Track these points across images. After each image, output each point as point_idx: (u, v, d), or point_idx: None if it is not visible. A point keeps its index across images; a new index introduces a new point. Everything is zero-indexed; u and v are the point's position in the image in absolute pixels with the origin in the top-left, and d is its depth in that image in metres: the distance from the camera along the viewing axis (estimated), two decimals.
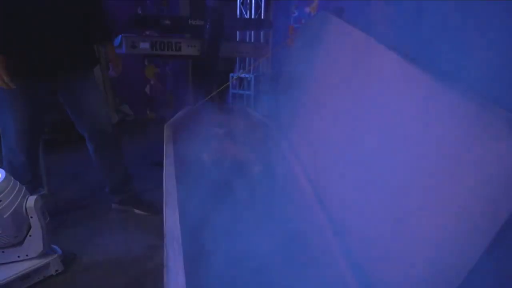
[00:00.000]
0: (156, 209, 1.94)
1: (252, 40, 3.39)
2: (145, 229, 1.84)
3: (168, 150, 1.29)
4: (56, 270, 1.47)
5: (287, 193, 1.15)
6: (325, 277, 0.73)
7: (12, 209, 1.29)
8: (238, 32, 3.36)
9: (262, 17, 3.40)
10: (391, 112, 0.76)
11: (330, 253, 0.75)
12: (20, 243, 1.38)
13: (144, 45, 2.39)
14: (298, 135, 1.29)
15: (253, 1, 3.42)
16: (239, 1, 3.45)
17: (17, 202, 1.32)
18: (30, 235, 1.38)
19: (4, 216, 1.27)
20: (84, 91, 1.65)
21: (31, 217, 1.36)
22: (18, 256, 1.39)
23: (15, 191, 1.33)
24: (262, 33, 3.37)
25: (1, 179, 1.29)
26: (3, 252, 1.37)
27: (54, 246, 1.53)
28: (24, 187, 1.38)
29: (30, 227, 1.38)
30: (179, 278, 0.64)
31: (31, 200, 1.36)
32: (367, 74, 0.93)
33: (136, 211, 1.94)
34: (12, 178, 1.35)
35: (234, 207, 1.09)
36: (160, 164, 2.44)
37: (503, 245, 0.43)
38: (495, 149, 0.47)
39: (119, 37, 2.31)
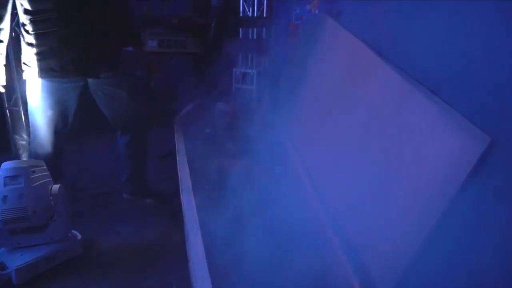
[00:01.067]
0: (164, 199, 2.08)
1: (255, 37, 3.49)
2: (155, 216, 1.97)
3: (179, 143, 1.42)
4: (78, 252, 1.62)
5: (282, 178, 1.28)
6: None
7: (39, 183, 1.46)
8: (241, 29, 3.46)
9: (264, 15, 3.50)
10: (371, 111, 0.88)
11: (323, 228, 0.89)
12: (45, 227, 1.52)
13: (152, 43, 2.51)
14: (296, 128, 1.42)
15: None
16: None
17: (44, 182, 1.48)
18: (54, 220, 1.52)
19: (32, 185, 1.43)
20: (117, 91, 1.79)
21: (55, 203, 1.50)
22: (43, 239, 1.53)
23: (45, 174, 1.49)
24: (264, 30, 3.47)
25: (36, 161, 1.49)
26: (29, 235, 1.51)
27: (74, 231, 1.67)
28: (51, 177, 1.52)
29: (53, 213, 1.52)
30: (199, 249, 0.77)
31: (56, 188, 1.50)
32: (355, 76, 1.05)
33: (147, 200, 2.08)
34: (46, 167, 1.50)
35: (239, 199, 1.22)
36: (166, 157, 2.57)
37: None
38: (446, 147, 0.60)
39: None
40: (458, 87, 0.86)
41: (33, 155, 1.77)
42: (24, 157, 1.98)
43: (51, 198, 1.49)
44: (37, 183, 1.44)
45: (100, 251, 1.69)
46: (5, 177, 1.44)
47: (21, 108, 2.19)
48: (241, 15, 3.50)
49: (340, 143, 1.01)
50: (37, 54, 1.57)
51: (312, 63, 1.48)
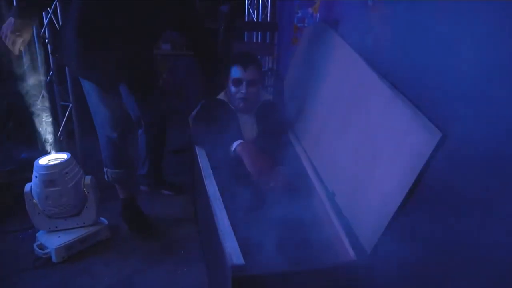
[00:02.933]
0: (180, 189, 2.28)
1: (259, 39, 3.67)
2: (172, 206, 2.18)
3: (195, 136, 1.63)
4: (106, 236, 1.83)
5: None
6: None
7: (74, 182, 1.65)
8: (245, 32, 3.64)
9: (269, 17, 3.67)
10: (358, 113, 1.09)
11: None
12: (79, 213, 1.74)
13: (166, 46, 2.70)
14: (299, 125, 1.62)
15: (260, 2, 3.68)
16: (247, 2, 3.71)
17: (77, 178, 1.68)
18: (86, 207, 1.73)
19: (69, 186, 1.63)
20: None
21: (88, 192, 1.71)
22: (77, 224, 1.75)
23: (76, 170, 1.69)
24: (268, 32, 3.64)
25: (67, 158, 1.65)
26: (65, 220, 1.72)
27: (102, 218, 1.88)
28: (82, 170, 1.73)
29: (86, 201, 1.73)
30: (225, 221, 0.98)
31: (88, 179, 1.71)
32: (347, 85, 1.25)
33: (165, 192, 2.27)
34: (74, 160, 1.70)
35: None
36: (180, 152, 2.75)
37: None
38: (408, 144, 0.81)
39: None
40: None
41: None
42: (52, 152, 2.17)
43: (84, 189, 1.70)
44: (72, 182, 1.64)
45: (125, 236, 1.90)
46: (43, 181, 1.60)
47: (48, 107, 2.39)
48: (246, 18, 3.68)
49: (335, 137, 1.22)
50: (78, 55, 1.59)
51: (311, 70, 1.67)
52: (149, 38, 1.75)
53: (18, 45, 1.44)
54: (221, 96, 1.77)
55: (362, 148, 1.02)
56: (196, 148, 1.60)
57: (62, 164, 1.64)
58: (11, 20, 1.42)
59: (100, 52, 1.55)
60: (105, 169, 1.86)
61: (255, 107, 1.72)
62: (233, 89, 1.65)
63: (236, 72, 1.63)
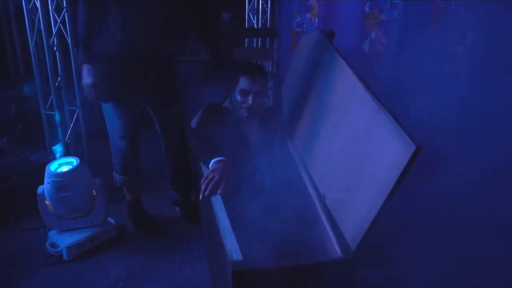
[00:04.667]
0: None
1: (259, 44, 3.76)
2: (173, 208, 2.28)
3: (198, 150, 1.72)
4: (114, 235, 1.94)
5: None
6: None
7: (84, 185, 1.77)
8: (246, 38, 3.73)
9: (268, 22, 3.76)
10: (347, 121, 1.20)
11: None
12: (88, 213, 1.85)
13: None
14: (295, 131, 1.73)
15: (260, 7, 3.78)
16: (247, 8, 3.81)
17: (87, 182, 1.79)
18: (95, 208, 1.84)
19: (79, 191, 1.74)
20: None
21: (96, 193, 1.82)
22: (86, 223, 1.85)
23: (86, 174, 1.80)
24: (268, 39, 3.73)
25: (77, 164, 1.76)
26: (75, 220, 1.83)
27: (109, 218, 1.99)
28: (91, 173, 1.84)
29: (94, 202, 1.84)
30: (226, 221, 1.09)
31: (97, 181, 1.82)
32: (337, 94, 1.36)
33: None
34: (84, 165, 1.81)
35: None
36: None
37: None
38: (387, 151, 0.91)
39: None
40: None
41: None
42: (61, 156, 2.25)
43: (93, 190, 1.81)
44: (82, 186, 1.76)
45: (131, 235, 2.01)
46: (55, 187, 1.71)
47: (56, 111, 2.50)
48: (246, 23, 3.77)
49: (325, 144, 1.33)
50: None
51: (306, 78, 1.78)
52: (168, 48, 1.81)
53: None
54: (226, 103, 1.81)
55: (349, 155, 1.13)
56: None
57: (73, 171, 1.74)
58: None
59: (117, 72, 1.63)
60: (114, 173, 1.97)
61: (259, 114, 1.78)
62: (239, 98, 1.68)
63: (244, 83, 1.66)
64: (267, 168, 1.58)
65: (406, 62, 2.99)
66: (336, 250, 1.03)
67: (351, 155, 1.12)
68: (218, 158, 1.48)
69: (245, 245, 1.04)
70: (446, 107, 2.63)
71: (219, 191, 1.37)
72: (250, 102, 1.67)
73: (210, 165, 1.48)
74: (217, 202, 1.26)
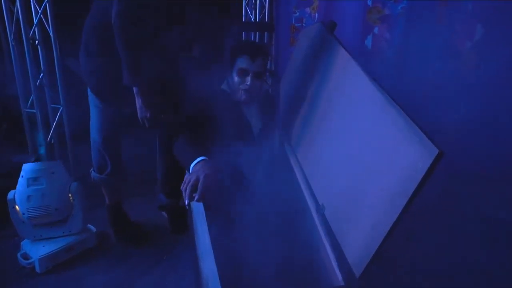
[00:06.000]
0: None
1: (257, 40, 3.60)
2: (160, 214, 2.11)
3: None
4: (93, 244, 1.77)
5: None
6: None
7: (59, 184, 1.62)
8: (244, 33, 3.57)
9: (266, 17, 3.61)
10: (353, 120, 1.02)
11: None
12: (64, 221, 1.68)
13: None
14: (293, 132, 1.56)
15: (257, 2, 3.62)
16: (245, 2, 3.65)
17: (63, 182, 1.65)
18: (72, 215, 1.68)
19: (52, 186, 1.60)
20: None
21: (73, 199, 1.66)
22: (63, 232, 1.69)
23: (63, 174, 1.66)
24: (266, 33, 3.58)
25: (57, 162, 1.66)
26: (51, 228, 1.67)
27: (90, 225, 1.82)
28: (70, 176, 1.67)
29: (72, 208, 1.67)
30: (206, 239, 0.91)
31: (74, 185, 1.66)
32: (340, 90, 1.19)
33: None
34: (63, 167, 1.65)
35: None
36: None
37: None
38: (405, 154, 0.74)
39: None
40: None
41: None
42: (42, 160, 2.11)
43: (70, 195, 1.65)
44: (57, 182, 1.60)
45: (112, 243, 1.84)
46: (28, 178, 1.59)
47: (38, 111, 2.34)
48: (243, 18, 3.61)
49: (327, 146, 1.15)
50: None
51: (306, 73, 1.61)
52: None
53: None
54: (223, 85, 1.66)
55: (353, 158, 0.96)
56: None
57: (50, 164, 1.64)
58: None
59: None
60: (91, 170, 1.82)
61: (257, 98, 1.64)
62: (237, 79, 1.54)
63: (242, 62, 1.52)
64: (262, 164, 1.43)
65: (410, 59, 2.85)
66: (337, 276, 0.85)
67: (356, 160, 0.95)
68: (198, 159, 1.30)
69: (229, 267, 0.87)
70: (453, 106, 2.50)
71: (196, 197, 1.20)
72: (248, 83, 1.53)
73: (190, 169, 1.32)
74: (198, 214, 1.08)
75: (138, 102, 1.43)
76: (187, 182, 1.24)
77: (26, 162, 1.77)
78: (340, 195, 0.97)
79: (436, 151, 0.65)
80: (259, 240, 1.07)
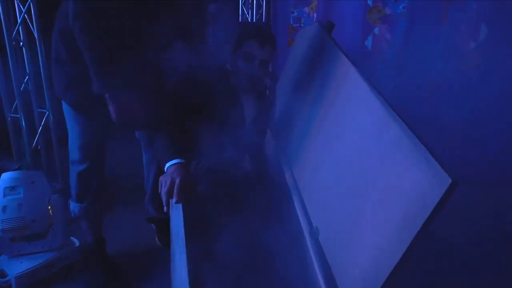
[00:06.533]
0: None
1: None
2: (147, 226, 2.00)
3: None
4: (76, 259, 1.66)
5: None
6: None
7: (38, 194, 1.52)
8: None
9: (263, 17, 3.51)
10: (353, 136, 0.91)
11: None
12: (44, 235, 1.57)
13: None
14: (287, 141, 1.45)
15: (254, 1, 3.52)
16: (241, 1, 3.55)
17: (42, 193, 1.54)
18: (52, 229, 1.57)
19: (30, 196, 1.50)
20: None
21: (53, 213, 1.55)
22: (43, 247, 1.58)
23: (44, 185, 1.55)
24: None
25: (37, 172, 1.55)
26: (29, 243, 1.56)
27: (73, 238, 1.72)
28: (50, 188, 1.57)
29: (52, 222, 1.57)
30: (183, 272, 0.81)
31: (54, 198, 1.55)
32: (338, 97, 1.08)
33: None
34: (45, 178, 1.56)
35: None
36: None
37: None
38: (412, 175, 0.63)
39: None
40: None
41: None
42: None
43: (49, 207, 1.54)
44: (36, 193, 1.50)
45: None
46: (4, 188, 1.49)
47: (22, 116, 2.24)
48: (240, 19, 3.51)
49: (323, 162, 1.05)
50: None
51: (303, 77, 1.51)
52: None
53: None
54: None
55: (351, 179, 0.85)
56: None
57: (30, 173, 1.55)
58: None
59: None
60: (68, 201, 1.62)
61: (259, 88, 1.58)
62: (241, 63, 1.44)
63: (249, 46, 1.42)
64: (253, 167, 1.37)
65: (412, 60, 2.76)
66: None
67: (354, 178, 0.85)
68: (175, 161, 1.20)
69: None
70: (456, 108, 2.42)
71: (175, 200, 1.12)
72: (254, 70, 1.44)
73: (165, 169, 1.22)
74: (178, 239, 0.96)
75: (111, 109, 1.29)
76: (162, 186, 1.16)
77: (9, 169, 1.68)
78: (337, 220, 0.86)
79: (449, 180, 0.55)
80: (243, 269, 0.96)
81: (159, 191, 1.18)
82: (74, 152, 1.52)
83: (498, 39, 2.49)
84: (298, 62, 1.72)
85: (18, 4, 2.11)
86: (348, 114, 0.98)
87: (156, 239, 1.89)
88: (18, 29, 2.15)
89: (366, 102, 0.90)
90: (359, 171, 0.83)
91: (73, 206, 1.58)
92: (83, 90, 1.32)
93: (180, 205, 1.09)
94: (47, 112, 2.31)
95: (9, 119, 2.30)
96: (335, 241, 0.86)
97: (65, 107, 1.47)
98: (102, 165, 1.58)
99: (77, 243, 1.70)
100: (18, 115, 2.24)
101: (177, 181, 1.12)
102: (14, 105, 2.26)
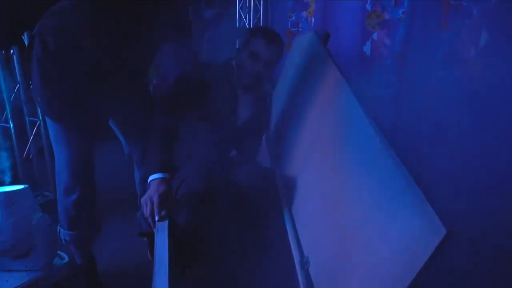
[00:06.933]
0: None
1: None
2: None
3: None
4: (65, 276, 1.61)
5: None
6: None
7: (19, 217, 1.43)
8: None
9: (261, 21, 3.47)
10: (346, 168, 0.86)
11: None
12: (27, 254, 1.52)
13: None
14: (281, 157, 1.40)
15: (251, 5, 3.48)
16: (238, 5, 3.51)
17: (25, 214, 1.45)
18: (35, 249, 1.51)
19: (9, 221, 1.41)
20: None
21: (35, 233, 1.48)
22: (25, 266, 1.52)
23: (27, 205, 1.47)
24: None
25: (22, 189, 1.45)
26: (14, 260, 1.51)
27: (62, 253, 1.66)
28: (35, 205, 1.51)
29: (34, 241, 1.50)
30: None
31: (38, 220, 1.48)
32: (330, 118, 1.03)
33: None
34: (31, 193, 1.49)
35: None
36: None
37: None
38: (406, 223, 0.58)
39: None
40: None
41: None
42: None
43: (32, 227, 1.47)
44: (17, 216, 1.42)
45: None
46: None
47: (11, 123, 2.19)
48: (237, 23, 3.47)
49: (315, 187, 1.00)
50: None
51: (297, 90, 1.46)
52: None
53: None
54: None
55: (341, 208, 0.80)
56: None
57: (12, 191, 1.43)
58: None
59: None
60: (58, 228, 1.56)
61: (260, 89, 1.52)
62: (246, 61, 1.41)
63: (257, 45, 1.40)
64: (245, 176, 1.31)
65: (411, 66, 2.71)
66: None
67: (345, 211, 0.80)
68: (156, 176, 1.20)
69: None
70: (456, 114, 2.37)
71: (157, 219, 1.14)
72: (258, 69, 1.40)
73: (148, 180, 1.23)
74: (161, 269, 0.91)
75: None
76: (144, 208, 1.17)
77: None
78: (328, 254, 0.81)
79: (444, 231, 0.50)
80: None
81: (144, 213, 1.17)
82: (63, 180, 1.46)
83: (499, 45, 2.44)
84: (293, 70, 1.67)
85: None
86: (341, 139, 0.93)
87: (148, 253, 1.84)
88: None
89: (360, 129, 0.85)
90: (351, 206, 0.78)
91: (64, 233, 1.53)
92: (68, 97, 1.30)
93: (165, 232, 1.05)
94: (39, 121, 2.27)
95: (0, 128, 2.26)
96: (325, 275, 0.81)
97: (51, 130, 1.42)
98: (93, 190, 1.52)
99: (66, 258, 1.64)
100: (9, 125, 2.19)
101: (155, 200, 1.13)
102: (4, 114, 2.22)
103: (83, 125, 1.38)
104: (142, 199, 1.18)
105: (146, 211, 1.14)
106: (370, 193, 0.72)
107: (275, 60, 1.45)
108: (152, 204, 1.13)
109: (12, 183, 1.65)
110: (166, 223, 1.13)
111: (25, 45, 2.13)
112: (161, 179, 1.18)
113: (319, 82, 1.21)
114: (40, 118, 2.26)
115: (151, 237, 1.82)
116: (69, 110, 1.33)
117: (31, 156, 2.35)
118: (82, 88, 1.27)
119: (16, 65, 2.16)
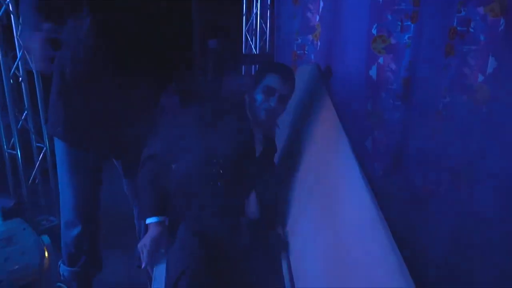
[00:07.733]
0: None
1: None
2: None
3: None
4: None
5: None
6: None
7: (14, 262, 1.41)
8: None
9: (267, 44, 3.50)
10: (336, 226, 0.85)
11: None
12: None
13: None
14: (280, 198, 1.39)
15: (258, 28, 3.52)
16: (245, 29, 3.55)
17: (12, 260, 1.42)
18: None
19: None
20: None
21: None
22: None
23: (19, 246, 1.46)
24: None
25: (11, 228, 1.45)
26: None
27: (61, 284, 1.66)
28: (31, 240, 1.51)
29: None
30: None
31: (37, 264, 1.45)
32: (326, 168, 1.02)
33: None
34: (28, 227, 1.50)
35: None
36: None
37: None
38: None
39: None
40: None
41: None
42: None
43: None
44: (11, 262, 1.40)
45: None
46: None
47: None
48: (244, 46, 3.50)
49: (310, 234, 0.99)
50: None
51: (297, 124, 1.45)
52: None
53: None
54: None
55: (332, 262, 0.79)
56: None
57: (5, 232, 1.45)
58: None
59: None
60: (59, 263, 1.54)
61: (273, 125, 1.50)
62: (260, 97, 1.40)
63: (272, 80, 1.39)
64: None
65: (418, 91, 2.68)
66: None
67: (336, 266, 0.78)
68: (153, 220, 1.22)
69: None
70: (463, 143, 2.33)
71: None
72: (273, 105, 1.39)
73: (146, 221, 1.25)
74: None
75: None
76: (141, 255, 1.21)
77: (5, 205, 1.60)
78: None
79: None
80: None
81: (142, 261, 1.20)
82: (66, 213, 1.45)
83: (507, 71, 2.41)
84: (294, 101, 1.65)
85: (17, 40, 2.11)
86: (333, 188, 0.92)
87: (148, 285, 1.83)
88: (17, 64, 2.16)
89: (353, 184, 0.84)
90: (338, 257, 0.77)
91: (63, 269, 1.52)
92: (78, 122, 1.31)
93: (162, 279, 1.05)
94: (45, 148, 2.31)
95: (6, 155, 2.29)
96: None
97: (58, 152, 1.41)
98: (96, 228, 1.51)
99: None
100: (15, 152, 2.23)
101: (146, 248, 1.17)
102: (12, 141, 2.25)
103: (99, 148, 1.38)
104: (138, 246, 1.19)
105: (142, 259, 1.17)
106: (352, 244, 0.71)
107: (289, 96, 1.45)
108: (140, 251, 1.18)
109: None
110: (163, 266, 1.13)
111: (33, 72, 2.19)
112: (156, 223, 1.20)
113: (318, 127, 1.20)
114: (47, 144, 2.30)
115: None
116: (88, 131, 1.33)
117: (37, 181, 2.37)
118: (99, 114, 1.30)
119: (24, 92, 2.20)
